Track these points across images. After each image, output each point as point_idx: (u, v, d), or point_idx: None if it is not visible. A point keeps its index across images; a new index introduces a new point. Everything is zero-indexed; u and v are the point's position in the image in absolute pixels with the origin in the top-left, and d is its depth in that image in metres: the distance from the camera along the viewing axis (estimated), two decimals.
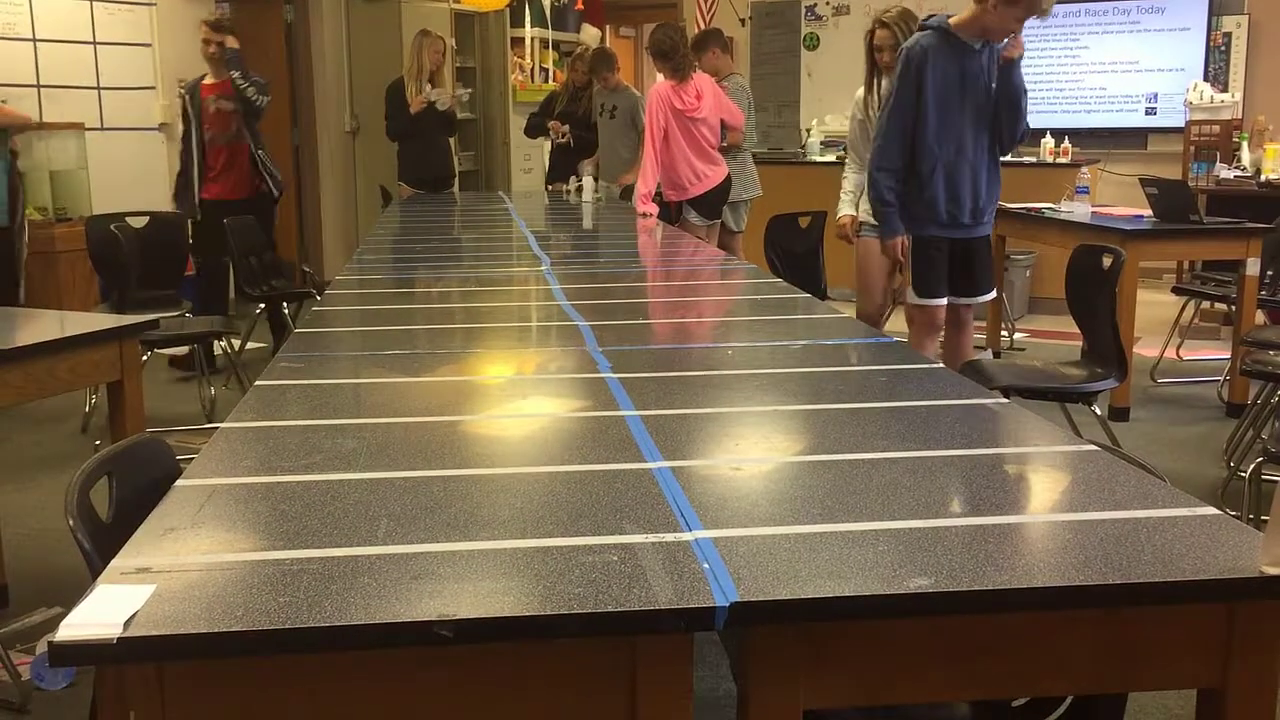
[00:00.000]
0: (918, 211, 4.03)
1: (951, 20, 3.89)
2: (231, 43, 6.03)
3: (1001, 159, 4.11)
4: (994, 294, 4.46)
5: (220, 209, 5.97)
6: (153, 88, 7.38)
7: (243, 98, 6.01)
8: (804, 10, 10.17)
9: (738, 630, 1.30)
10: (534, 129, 7.61)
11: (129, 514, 1.58)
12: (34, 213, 6.64)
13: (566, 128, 7.19)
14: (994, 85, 3.91)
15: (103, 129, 7.04)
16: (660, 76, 5.90)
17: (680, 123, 5.81)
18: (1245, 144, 7.61)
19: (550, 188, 7.53)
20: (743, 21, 10.47)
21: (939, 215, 4.01)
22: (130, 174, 7.09)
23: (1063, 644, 1.35)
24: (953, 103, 3.90)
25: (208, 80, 6.11)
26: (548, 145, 7.66)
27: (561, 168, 7.28)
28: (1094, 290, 3.79)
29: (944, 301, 4.13)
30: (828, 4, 10.05)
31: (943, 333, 4.28)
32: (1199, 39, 8.68)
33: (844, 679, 1.33)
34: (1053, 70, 9.16)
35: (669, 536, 1.42)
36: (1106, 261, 3.71)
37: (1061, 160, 7.39)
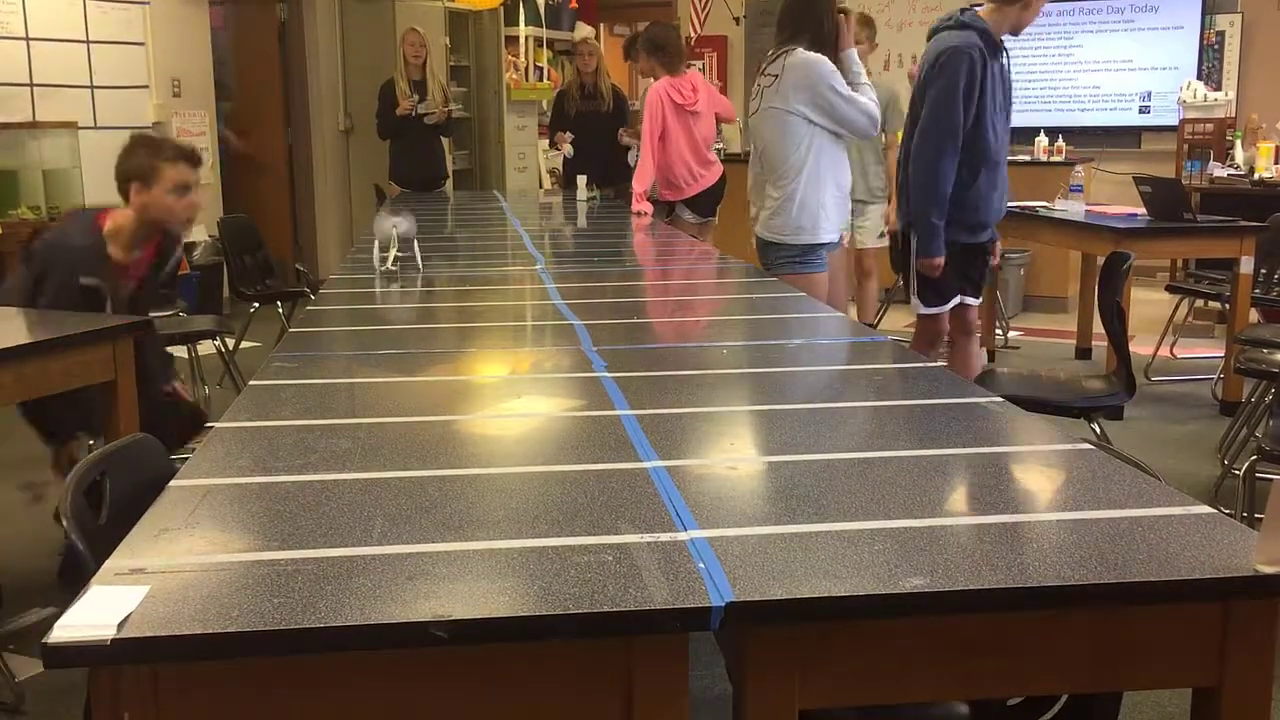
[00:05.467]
0: (954, 215, 3.85)
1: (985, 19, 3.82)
2: None
3: None
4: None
5: None
6: (146, 86, 7.36)
7: None
8: None
9: (733, 630, 1.29)
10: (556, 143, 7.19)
11: (123, 514, 1.58)
12: (27, 212, 6.63)
13: (570, 136, 6.94)
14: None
15: (96, 128, 7.02)
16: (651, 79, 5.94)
17: (680, 119, 5.79)
18: (1239, 142, 7.63)
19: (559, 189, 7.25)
20: (737, 20, 10.47)
21: (985, 219, 3.91)
22: None
23: (1058, 643, 1.35)
24: (998, 104, 3.84)
25: None
26: (561, 151, 7.11)
27: (582, 170, 6.63)
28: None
29: (949, 307, 4.08)
30: None
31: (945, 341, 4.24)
32: (1192, 37, 8.69)
33: (839, 678, 1.33)
34: (1046, 69, 9.17)
35: (664, 536, 1.42)
36: (1099, 261, 3.69)
37: (1055, 159, 7.40)
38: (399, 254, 3.66)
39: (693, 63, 7.23)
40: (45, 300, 3.30)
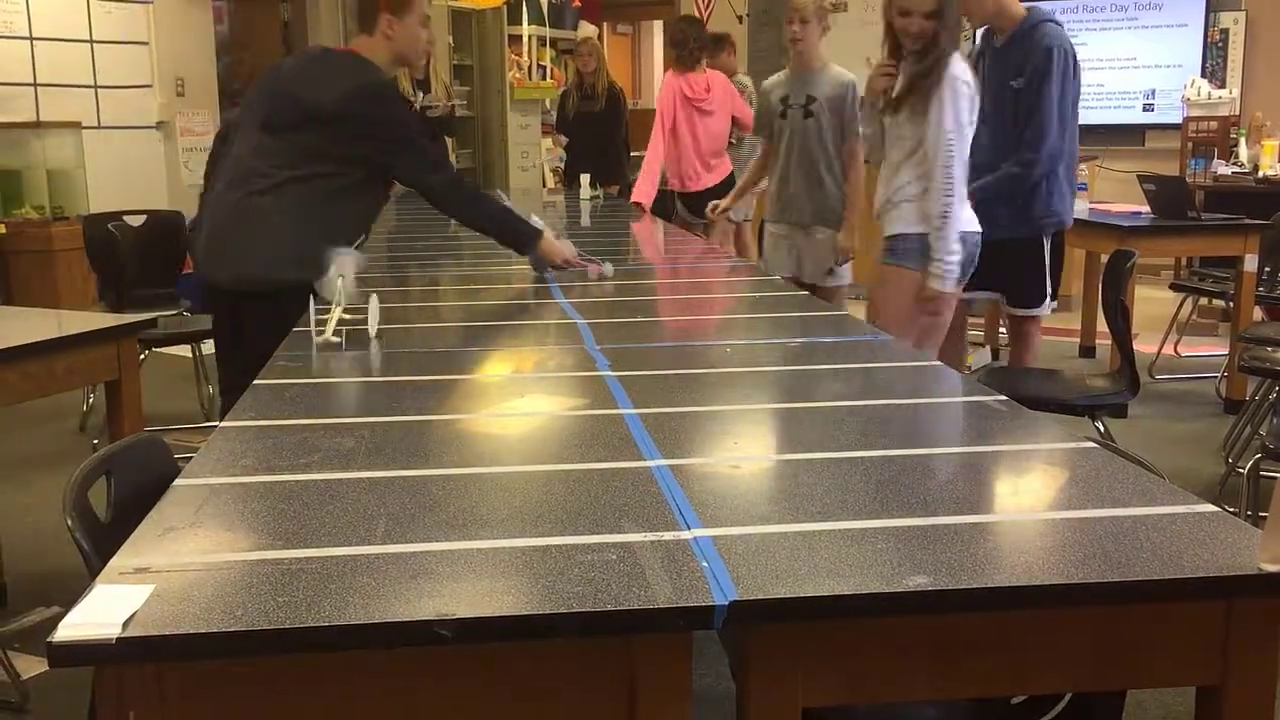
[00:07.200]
0: None
1: None
2: None
3: None
4: (1044, 308, 4.01)
5: None
6: (149, 86, 7.38)
7: None
8: None
9: (736, 629, 1.29)
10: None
11: (127, 513, 1.58)
12: (31, 211, 6.64)
13: (564, 140, 7.11)
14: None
15: (100, 128, 7.03)
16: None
17: (688, 112, 5.91)
18: (1243, 140, 7.62)
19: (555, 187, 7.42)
20: (740, 18, 10.47)
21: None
22: (127, 173, 7.09)
23: (1061, 641, 1.35)
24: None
25: None
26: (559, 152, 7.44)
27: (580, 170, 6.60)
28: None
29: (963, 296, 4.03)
30: (825, 1, 10.04)
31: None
32: (1196, 35, 8.68)
33: (842, 677, 1.33)
34: None
35: (668, 535, 1.42)
36: (1104, 260, 3.67)
37: None
38: (345, 316, 2.53)
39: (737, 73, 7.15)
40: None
